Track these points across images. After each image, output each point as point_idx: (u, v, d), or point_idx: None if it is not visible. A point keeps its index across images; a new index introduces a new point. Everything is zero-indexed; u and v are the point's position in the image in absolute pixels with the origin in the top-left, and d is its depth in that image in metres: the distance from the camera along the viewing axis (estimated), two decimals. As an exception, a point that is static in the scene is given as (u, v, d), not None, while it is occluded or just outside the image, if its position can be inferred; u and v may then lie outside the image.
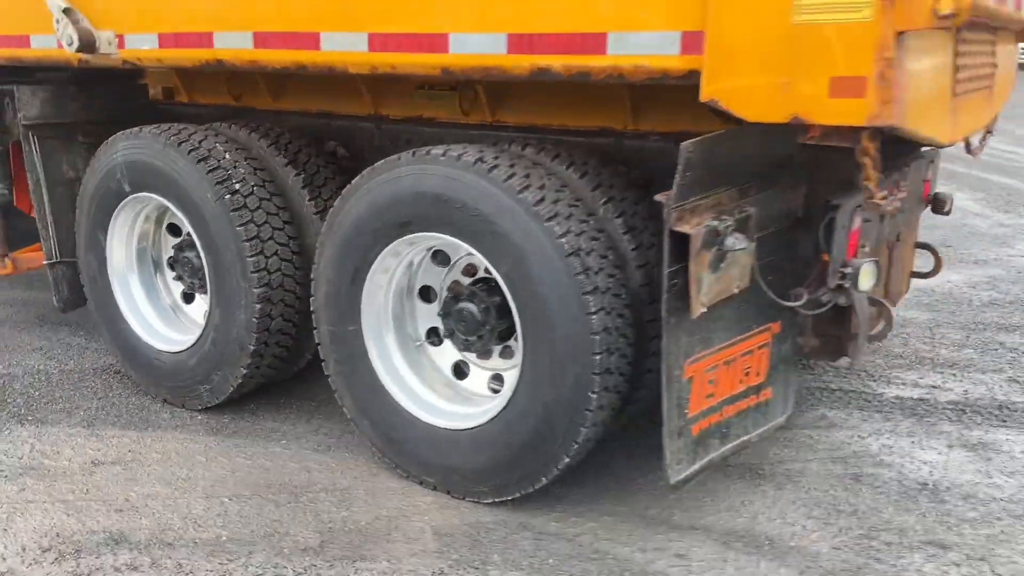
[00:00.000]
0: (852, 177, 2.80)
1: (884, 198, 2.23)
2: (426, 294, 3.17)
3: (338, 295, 3.05)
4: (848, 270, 2.64)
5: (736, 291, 2.50)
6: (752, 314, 2.68)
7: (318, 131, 3.64)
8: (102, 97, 4.13)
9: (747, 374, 2.73)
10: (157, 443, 3.42)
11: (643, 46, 2.21)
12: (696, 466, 2.61)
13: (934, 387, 3.99)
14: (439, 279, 3.13)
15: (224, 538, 2.77)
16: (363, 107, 3.44)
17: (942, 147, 2.59)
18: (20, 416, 3.67)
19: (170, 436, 3.48)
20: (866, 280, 2.66)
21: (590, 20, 2.27)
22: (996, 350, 4.46)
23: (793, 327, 2.87)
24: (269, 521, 2.86)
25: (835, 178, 2.64)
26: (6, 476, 3.16)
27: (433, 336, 3.18)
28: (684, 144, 2.21)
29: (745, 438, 2.79)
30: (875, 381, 4.05)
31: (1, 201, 4.47)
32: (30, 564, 2.65)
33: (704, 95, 2.10)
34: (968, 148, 3.90)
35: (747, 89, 2.04)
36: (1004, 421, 3.65)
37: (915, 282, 3.94)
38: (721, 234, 2.34)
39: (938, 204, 3.82)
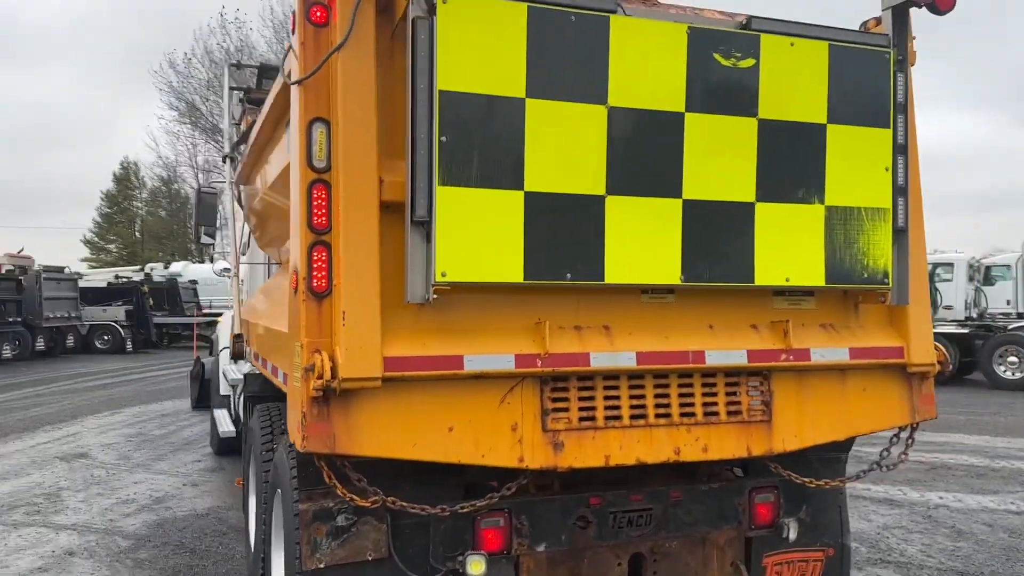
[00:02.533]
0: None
1: (373, 502, 3.17)
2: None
3: (263, 522, 4.69)
4: (460, 557, 3.43)
5: (370, 559, 3.50)
6: (410, 580, 3.56)
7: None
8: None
9: (413, 625, 3.56)
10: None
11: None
12: None
13: None
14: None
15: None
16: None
17: (529, 471, 3.29)
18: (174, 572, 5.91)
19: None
20: (473, 568, 3.39)
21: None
22: None
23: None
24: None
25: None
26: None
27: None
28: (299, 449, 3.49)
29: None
30: None
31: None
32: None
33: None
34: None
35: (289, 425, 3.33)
36: None
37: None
38: (334, 514, 3.46)
39: (777, 529, 3.96)
